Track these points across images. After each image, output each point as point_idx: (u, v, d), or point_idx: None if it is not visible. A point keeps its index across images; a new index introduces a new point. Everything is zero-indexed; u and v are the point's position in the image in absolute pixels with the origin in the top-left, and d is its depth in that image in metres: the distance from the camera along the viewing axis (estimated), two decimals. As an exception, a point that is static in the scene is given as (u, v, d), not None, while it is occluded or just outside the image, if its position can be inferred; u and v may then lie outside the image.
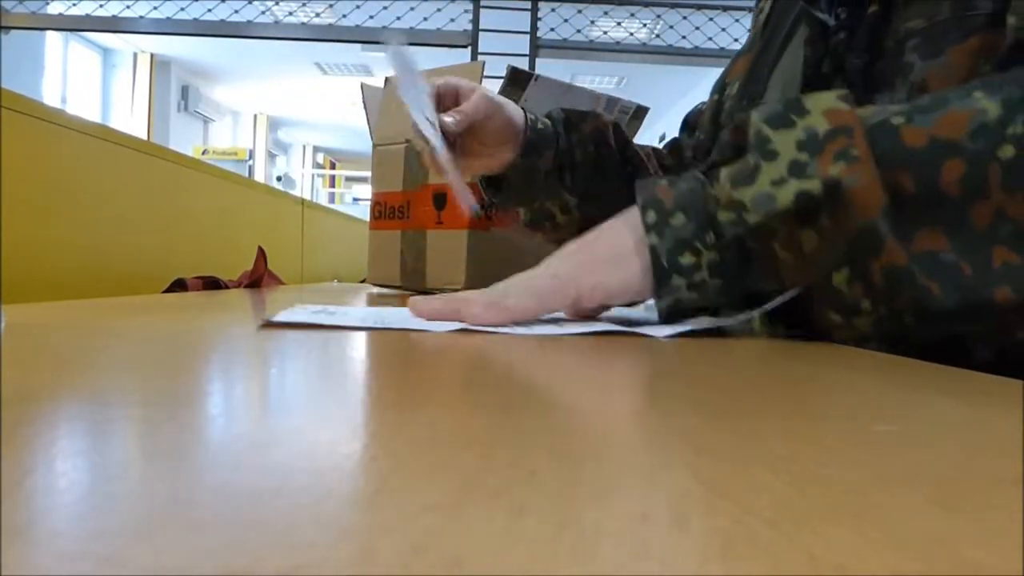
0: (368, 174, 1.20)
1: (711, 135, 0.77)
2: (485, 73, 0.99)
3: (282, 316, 0.51)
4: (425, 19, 3.48)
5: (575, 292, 0.52)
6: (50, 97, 6.57)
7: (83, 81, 7.53)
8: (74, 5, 3.60)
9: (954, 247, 0.44)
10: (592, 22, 3.61)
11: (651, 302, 0.55)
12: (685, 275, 0.50)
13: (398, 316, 0.57)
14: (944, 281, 0.44)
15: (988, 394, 0.36)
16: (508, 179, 0.82)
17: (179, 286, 1.13)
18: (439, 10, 3.51)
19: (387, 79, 1.14)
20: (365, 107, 1.17)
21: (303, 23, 3.98)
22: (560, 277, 0.53)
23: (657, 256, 0.50)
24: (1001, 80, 0.44)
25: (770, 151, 0.47)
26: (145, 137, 6.65)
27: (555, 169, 0.82)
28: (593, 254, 0.53)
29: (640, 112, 1.08)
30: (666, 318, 0.53)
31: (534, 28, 3.52)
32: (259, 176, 10.33)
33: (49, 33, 6.30)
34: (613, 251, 0.52)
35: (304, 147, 13.61)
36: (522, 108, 0.80)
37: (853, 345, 0.50)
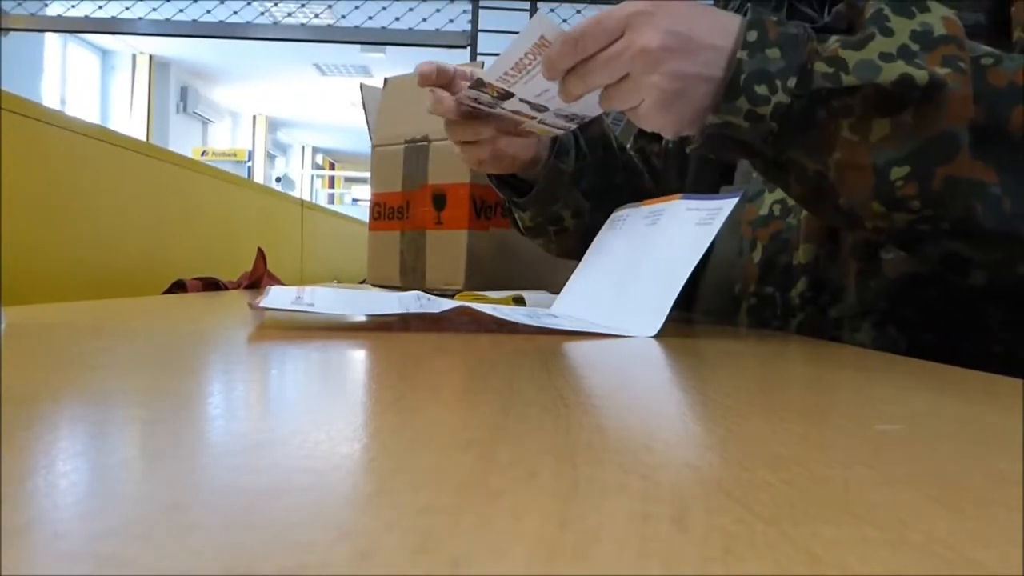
0: (367, 175, 1.20)
1: (679, 140, 0.77)
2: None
3: (265, 302, 0.52)
4: (424, 20, 3.48)
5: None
6: (49, 99, 6.56)
7: (82, 82, 7.53)
8: (73, 7, 3.60)
9: (1002, 182, 0.47)
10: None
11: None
12: (751, 102, 0.49)
13: (378, 300, 0.58)
14: (987, 207, 0.48)
15: (988, 393, 0.36)
16: (539, 180, 0.79)
17: (179, 287, 1.13)
18: (438, 11, 3.51)
19: (386, 79, 1.14)
20: (364, 108, 1.17)
21: (302, 24, 3.98)
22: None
23: (739, 73, 0.49)
24: None
25: (887, 28, 0.48)
26: (144, 138, 6.65)
27: (575, 172, 0.80)
28: (691, 37, 0.50)
29: None
30: (704, 141, 0.52)
31: (533, 28, 3.52)
32: (258, 177, 10.33)
33: (48, 35, 6.29)
34: (708, 42, 0.50)
35: (303, 148, 13.61)
36: None
37: (868, 238, 0.53)
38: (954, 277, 0.49)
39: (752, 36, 0.50)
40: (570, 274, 0.73)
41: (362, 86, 1.17)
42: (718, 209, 0.59)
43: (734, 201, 0.59)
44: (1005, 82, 0.47)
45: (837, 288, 0.64)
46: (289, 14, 4.07)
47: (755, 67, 0.49)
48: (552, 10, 3.59)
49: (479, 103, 0.67)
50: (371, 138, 1.15)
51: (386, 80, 1.14)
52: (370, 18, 3.54)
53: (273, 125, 11.91)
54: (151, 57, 8.32)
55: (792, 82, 0.49)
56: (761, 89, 0.49)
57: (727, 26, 0.50)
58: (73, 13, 3.66)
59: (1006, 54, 0.48)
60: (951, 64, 0.47)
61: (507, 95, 0.64)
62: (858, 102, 0.48)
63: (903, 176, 0.48)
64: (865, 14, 0.49)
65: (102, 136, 1.10)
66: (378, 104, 1.14)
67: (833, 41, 0.49)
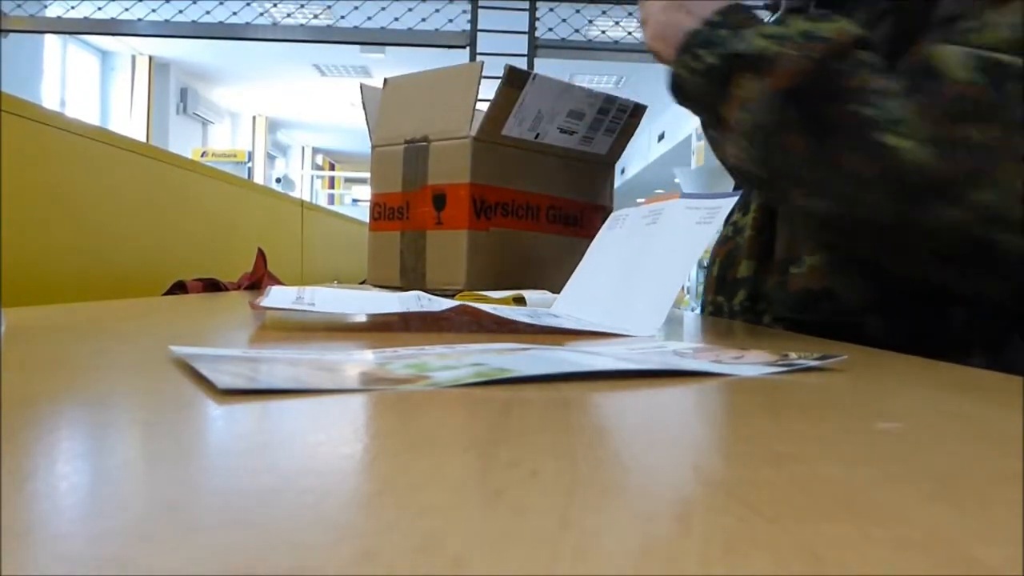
0: (367, 175, 1.20)
1: None
2: (484, 73, 0.99)
3: (266, 302, 0.52)
4: (423, 20, 3.48)
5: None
6: (49, 100, 6.56)
7: (82, 84, 7.53)
8: (72, 8, 3.60)
9: (807, 154, 0.60)
10: (590, 21, 3.61)
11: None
12: (693, 56, 0.65)
13: (378, 300, 0.58)
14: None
15: (989, 391, 0.36)
16: None
17: (179, 288, 1.13)
18: (437, 11, 3.51)
19: (386, 80, 1.14)
20: (364, 108, 1.17)
21: (301, 25, 3.98)
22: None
23: (690, 37, 0.65)
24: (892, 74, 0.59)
25: (789, 23, 0.62)
26: (144, 139, 6.65)
27: None
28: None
29: (638, 110, 1.08)
30: (669, 86, 0.68)
31: (532, 28, 3.52)
32: (258, 178, 10.33)
33: (47, 36, 6.29)
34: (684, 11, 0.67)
35: (303, 149, 13.61)
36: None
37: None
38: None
39: (718, 18, 0.65)
40: (570, 274, 0.73)
41: (362, 86, 1.17)
42: (717, 208, 0.59)
43: (733, 200, 0.59)
44: (857, 84, 0.57)
45: (768, 298, 0.75)
46: (288, 15, 4.07)
47: (707, 34, 0.64)
48: (551, 10, 3.59)
49: None
50: (371, 138, 1.15)
51: (386, 80, 1.14)
52: (369, 18, 3.55)
53: (273, 126, 11.91)
54: (151, 58, 8.32)
55: (720, 50, 0.63)
56: (702, 52, 0.64)
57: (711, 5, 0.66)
58: (73, 14, 3.66)
59: (875, 70, 0.58)
60: (802, 49, 0.59)
61: None
62: (738, 65, 0.62)
63: (747, 122, 0.62)
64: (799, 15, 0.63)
65: (102, 137, 1.10)
66: (378, 104, 1.14)
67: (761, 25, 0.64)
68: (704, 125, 0.71)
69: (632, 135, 1.11)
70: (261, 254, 1.31)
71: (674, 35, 0.67)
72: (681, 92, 0.67)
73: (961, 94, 0.53)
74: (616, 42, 3.72)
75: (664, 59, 0.69)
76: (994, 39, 0.54)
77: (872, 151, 0.55)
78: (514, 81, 0.95)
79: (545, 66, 3.72)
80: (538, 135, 1.01)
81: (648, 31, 0.71)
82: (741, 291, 0.78)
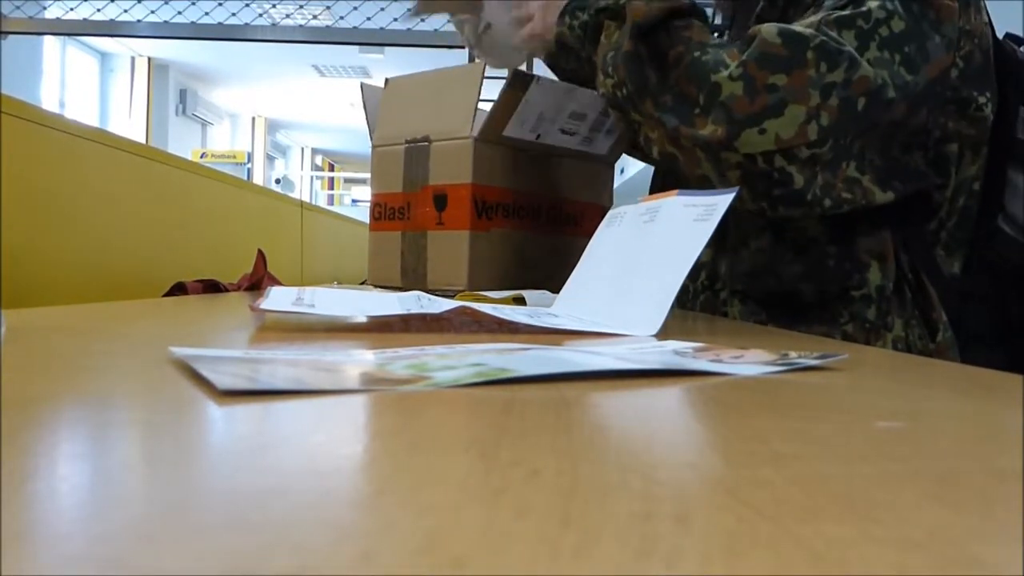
0: (367, 176, 1.20)
1: None
2: (486, 74, 0.99)
3: (265, 304, 0.52)
4: (423, 20, 3.48)
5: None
6: (48, 101, 6.56)
7: (81, 85, 7.53)
8: (72, 9, 3.60)
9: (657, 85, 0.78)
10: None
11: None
12: (571, 22, 0.86)
13: (379, 300, 0.58)
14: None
15: (989, 389, 0.36)
16: None
17: (179, 290, 1.13)
18: (437, 11, 3.50)
19: (387, 80, 1.13)
20: (365, 107, 1.17)
21: (300, 26, 3.97)
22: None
23: (568, 4, 0.86)
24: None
25: None
26: (143, 141, 6.64)
27: None
28: None
29: None
30: (552, 52, 0.91)
31: (532, 28, 3.52)
32: (258, 179, 10.33)
33: (47, 38, 6.29)
34: None
35: (303, 149, 13.61)
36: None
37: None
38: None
39: None
40: (570, 274, 0.73)
41: (363, 85, 1.17)
42: (715, 205, 0.59)
43: (730, 197, 0.59)
44: (677, 29, 0.77)
45: (723, 276, 0.90)
46: (287, 15, 4.06)
47: (578, 4, 0.85)
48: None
49: None
50: (371, 138, 1.15)
51: (387, 80, 1.14)
52: (368, 19, 3.54)
53: (272, 127, 11.91)
54: (150, 59, 8.32)
55: (592, 10, 0.83)
56: (578, 13, 0.85)
57: None
58: (72, 16, 3.66)
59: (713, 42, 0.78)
60: (653, 4, 0.77)
61: None
62: (604, 17, 0.82)
63: (610, 57, 0.80)
64: None
65: (101, 139, 1.10)
66: (378, 104, 1.14)
67: None
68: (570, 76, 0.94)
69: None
70: (261, 255, 1.31)
71: (552, 17, 0.88)
72: (564, 48, 0.88)
73: (765, 51, 0.72)
74: (615, 42, 3.71)
75: (544, 40, 0.90)
76: (804, 21, 0.74)
77: (704, 85, 0.73)
78: (518, 84, 0.95)
79: (545, 65, 3.71)
80: (539, 136, 1.01)
81: (529, 28, 0.91)
82: (702, 273, 0.93)
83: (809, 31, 0.72)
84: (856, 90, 0.71)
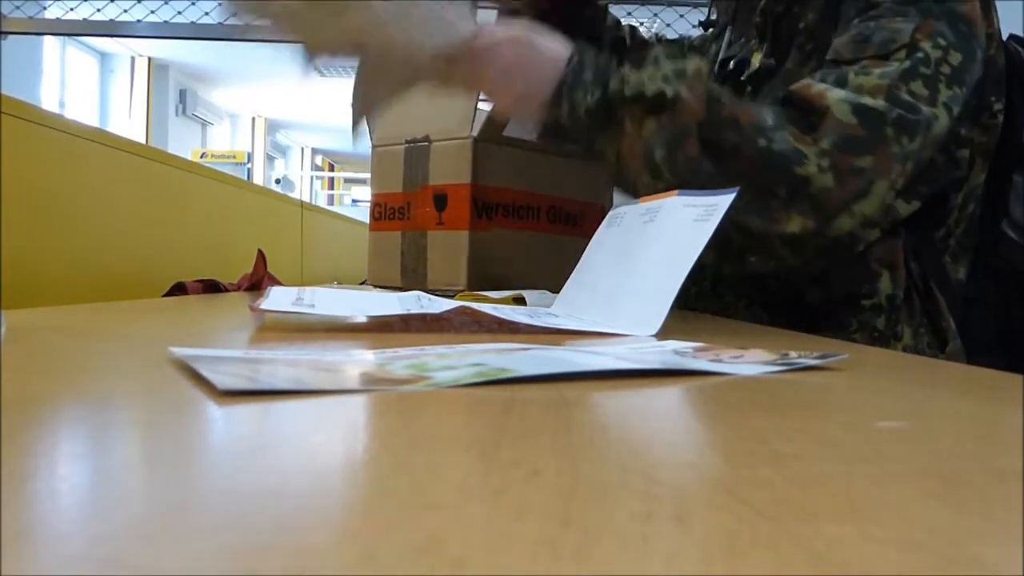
0: (367, 176, 1.20)
1: None
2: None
3: (265, 304, 0.52)
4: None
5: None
6: (48, 102, 6.56)
7: (81, 85, 7.53)
8: (71, 10, 3.60)
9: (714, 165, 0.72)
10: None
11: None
12: (572, 105, 0.73)
13: (379, 301, 0.58)
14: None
15: (989, 389, 0.36)
16: None
17: (179, 290, 1.13)
18: (436, 11, 3.50)
19: None
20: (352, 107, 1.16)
21: (300, 25, 3.96)
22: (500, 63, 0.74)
23: (560, 86, 0.73)
24: (776, 108, 0.73)
25: (658, 63, 0.72)
26: (143, 141, 6.62)
27: None
28: (532, 56, 0.75)
29: None
30: (541, 131, 0.76)
31: (531, 28, 3.52)
32: (258, 179, 10.33)
33: (46, 38, 6.29)
34: (540, 63, 0.74)
35: (303, 149, 13.61)
36: None
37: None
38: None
39: (575, 61, 0.73)
40: (570, 274, 0.73)
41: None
42: (715, 205, 0.59)
43: (731, 197, 0.59)
44: (729, 112, 0.71)
45: (728, 280, 0.89)
46: (287, 15, 4.06)
47: (571, 81, 0.72)
48: (550, 9, 3.59)
49: None
50: (371, 138, 1.15)
51: None
52: (368, 19, 3.53)
53: (272, 127, 11.91)
54: (150, 60, 8.32)
55: (597, 93, 0.72)
56: (578, 96, 0.72)
57: (552, 57, 0.74)
58: (72, 16, 3.66)
59: (738, 101, 0.73)
60: (691, 88, 0.71)
61: None
62: (631, 109, 0.71)
63: (661, 157, 0.71)
64: (649, 56, 0.73)
65: (101, 139, 1.10)
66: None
67: (626, 66, 0.73)
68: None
69: None
70: (261, 255, 1.31)
71: (536, 75, 0.74)
72: (559, 127, 0.74)
73: (845, 135, 0.69)
74: (615, 42, 3.71)
75: (524, 100, 0.75)
76: (867, 83, 0.71)
77: (785, 178, 0.69)
78: None
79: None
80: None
81: (495, 68, 0.74)
82: (707, 277, 0.92)
83: (881, 103, 0.70)
84: (930, 146, 0.72)
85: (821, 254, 0.75)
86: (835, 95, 0.71)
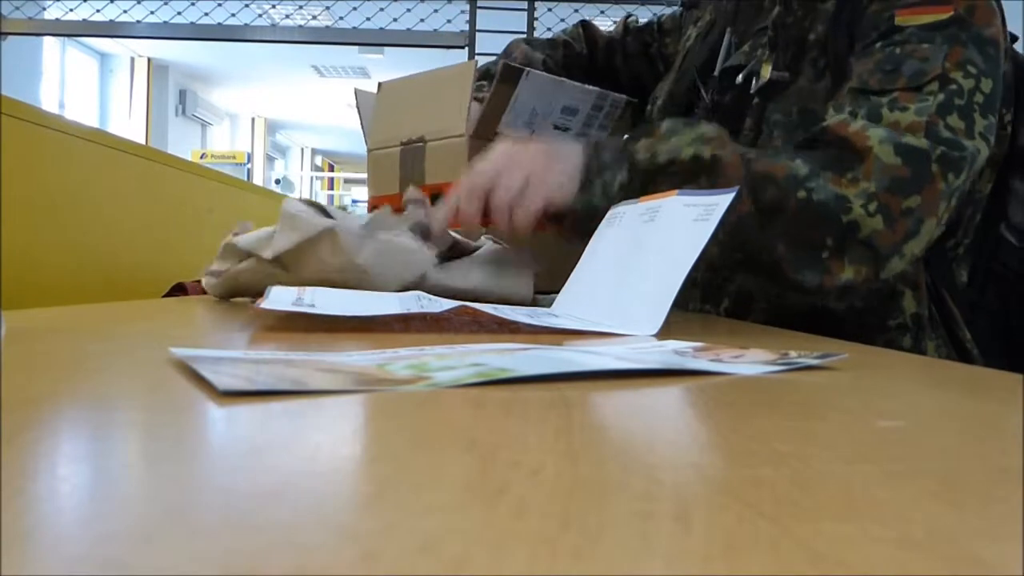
0: (366, 176, 1.20)
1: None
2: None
3: (266, 304, 0.52)
4: (422, 20, 3.48)
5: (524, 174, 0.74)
6: (48, 102, 6.56)
7: (80, 86, 7.53)
8: (71, 10, 3.60)
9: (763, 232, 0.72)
10: (589, 21, 3.61)
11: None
12: (603, 184, 0.73)
13: (379, 300, 0.57)
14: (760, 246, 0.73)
15: (989, 389, 0.37)
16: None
17: (179, 290, 1.13)
18: (436, 11, 3.50)
19: (380, 84, 1.13)
20: (359, 112, 1.17)
21: (300, 26, 3.97)
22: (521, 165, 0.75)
23: (587, 171, 0.73)
24: (810, 154, 0.71)
25: (678, 133, 0.73)
26: (143, 141, 6.62)
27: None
28: (548, 155, 0.76)
29: (631, 106, 1.08)
30: (575, 219, 0.74)
31: (531, 28, 3.52)
32: (258, 179, 10.32)
33: (46, 38, 6.29)
34: (561, 157, 0.76)
35: (302, 150, 13.61)
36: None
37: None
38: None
39: (590, 149, 0.75)
40: (570, 274, 0.73)
41: (356, 91, 1.17)
42: (715, 204, 0.59)
43: (730, 196, 0.59)
44: (762, 168, 0.70)
45: (753, 298, 0.87)
46: (287, 16, 4.07)
47: (595, 164, 0.73)
48: (550, 10, 3.59)
49: None
50: (366, 142, 1.15)
51: (380, 84, 1.14)
52: (368, 19, 3.54)
53: (272, 127, 11.91)
54: (149, 60, 8.32)
55: (624, 169, 0.73)
56: (606, 176, 0.73)
57: (570, 152, 0.76)
58: (71, 17, 3.66)
59: (764, 151, 0.75)
60: (721, 148, 0.71)
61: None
62: (669, 176, 0.71)
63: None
64: (660, 129, 0.75)
65: (101, 139, 1.10)
66: (372, 108, 1.14)
67: (642, 141, 0.74)
68: None
69: (627, 132, 1.11)
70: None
71: (561, 169, 0.74)
72: (590, 217, 0.73)
73: (892, 176, 0.68)
74: (615, 42, 3.71)
75: (561, 203, 0.74)
76: (904, 119, 0.70)
77: (832, 227, 0.68)
78: (507, 77, 0.95)
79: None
80: (533, 131, 1.01)
81: (524, 178, 0.73)
82: (725, 299, 0.89)
83: (924, 142, 0.69)
84: (972, 178, 0.72)
85: (864, 295, 0.75)
86: (877, 134, 0.69)
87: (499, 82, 0.95)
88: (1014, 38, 0.91)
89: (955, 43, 0.73)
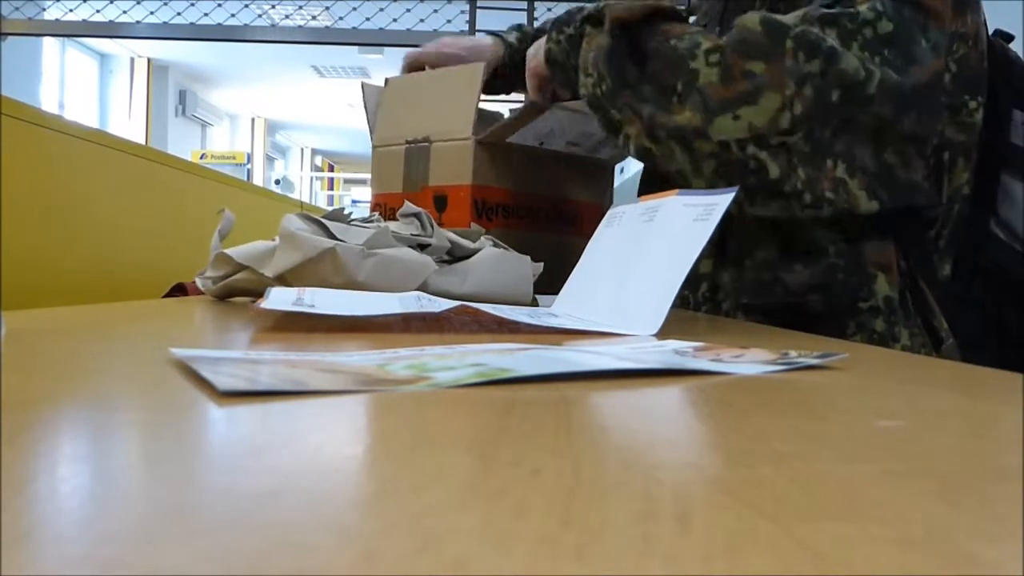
0: (366, 176, 1.20)
1: None
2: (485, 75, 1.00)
3: (266, 304, 0.52)
4: (422, 20, 3.48)
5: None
6: (48, 103, 6.56)
7: (80, 86, 7.53)
8: (71, 11, 3.60)
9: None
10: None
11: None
12: (560, 37, 0.88)
13: (379, 300, 0.58)
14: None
15: (989, 388, 0.37)
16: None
17: (179, 291, 1.13)
18: (435, 11, 3.51)
19: (387, 80, 1.14)
20: (365, 107, 1.17)
21: (300, 26, 3.98)
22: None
23: (551, 27, 0.90)
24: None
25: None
26: (143, 142, 6.63)
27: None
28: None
29: None
30: (541, 63, 0.92)
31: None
32: (258, 179, 10.33)
33: (46, 39, 6.30)
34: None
35: (302, 150, 13.61)
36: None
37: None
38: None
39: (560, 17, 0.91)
40: (570, 274, 0.73)
41: (363, 85, 1.17)
42: (714, 204, 0.59)
43: (730, 196, 0.59)
44: (664, 30, 0.78)
45: (726, 288, 0.89)
46: (287, 16, 4.07)
47: (557, 26, 0.89)
48: (549, 10, 3.59)
49: None
50: (371, 137, 1.15)
51: (387, 80, 1.14)
52: (368, 19, 3.54)
53: (272, 127, 11.91)
54: (149, 60, 8.32)
55: (574, 26, 0.87)
56: (561, 32, 0.89)
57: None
58: (71, 17, 3.66)
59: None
60: (631, 5, 0.80)
61: None
62: (584, 26, 0.85)
63: (592, 59, 0.82)
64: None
65: (101, 140, 1.10)
66: (378, 103, 1.14)
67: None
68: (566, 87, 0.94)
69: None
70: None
71: (542, 48, 0.92)
72: (555, 65, 0.90)
73: (745, 38, 0.72)
74: (614, 42, 3.71)
75: (541, 73, 0.94)
76: (790, 12, 0.75)
77: (681, 73, 0.74)
78: (530, 112, 0.96)
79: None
80: (542, 143, 1.02)
81: (530, 70, 0.96)
82: (703, 285, 0.91)
83: (792, 20, 0.73)
84: (833, 82, 0.71)
85: (720, 168, 0.76)
86: (751, 14, 0.74)
87: (526, 111, 0.96)
88: (1009, 37, 0.91)
89: None
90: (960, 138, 0.82)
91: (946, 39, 0.78)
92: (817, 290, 0.82)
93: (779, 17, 0.74)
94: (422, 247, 0.71)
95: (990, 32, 0.88)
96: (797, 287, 0.83)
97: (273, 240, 0.73)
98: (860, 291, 0.81)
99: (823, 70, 0.71)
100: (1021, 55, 0.92)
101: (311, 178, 13.59)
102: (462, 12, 3.49)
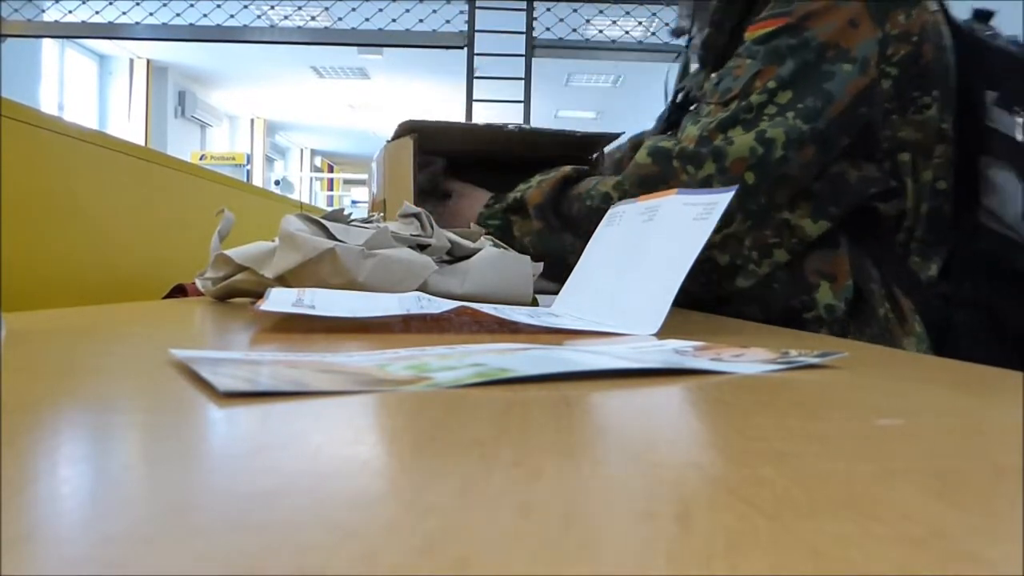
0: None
1: None
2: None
3: (266, 305, 0.52)
4: (421, 21, 3.48)
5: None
6: (47, 104, 6.56)
7: (80, 88, 7.53)
8: (70, 12, 3.60)
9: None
10: (587, 21, 3.61)
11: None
12: (490, 223, 0.96)
13: (379, 301, 0.58)
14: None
15: (989, 387, 0.37)
16: None
17: (179, 292, 1.13)
18: (435, 12, 3.51)
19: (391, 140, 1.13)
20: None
21: (299, 27, 3.98)
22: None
23: (480, 217, 0.97)
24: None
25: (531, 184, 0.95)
26: (143, 143, 6.63)
27: None
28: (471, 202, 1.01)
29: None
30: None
31: (530, 28, 3.52)
32: (257, 180, 10.32)
33: (45, 40, 6.30)
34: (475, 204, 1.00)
35: (302, 151, 13.60)
36: None
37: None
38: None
39: (492, 202, 0.98)
40: (570, 273, 0.73)
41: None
42: (714, 204, 0.59)
43: (729, 195, 0.59)
44: (574, 191, 0.90)
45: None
46: (286, 17, 4.07)
47: (487, 214, 0.97)
48: (548, 9, 3.59)
49: None
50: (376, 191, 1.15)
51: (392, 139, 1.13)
52: (367, 20, 3.55)
53: (271, 128, 11.90)
54: (149, 62, 8.32)
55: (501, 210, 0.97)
56: (492, 221, 0.96)
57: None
58: (70, 18, 3.66)
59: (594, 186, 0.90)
60: (540, 185, 0.92)
61: None
62: (509, 214, 0.96)
63: (530, 242, 0.93)
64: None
65: (100, 141, 1.10)
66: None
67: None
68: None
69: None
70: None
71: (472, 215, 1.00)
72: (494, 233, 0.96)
73: (640, 174, 0.82)
74: (613, 41, 3.72)
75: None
76: (691, 133, 0.82)
77: (598, 220, 0.78)
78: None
79: (543, 65, 3.72)
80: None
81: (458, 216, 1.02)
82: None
83: (671, 143, 0.81)
84: (736, 170, 0.77)
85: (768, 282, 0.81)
86: (642, 148, 0.83)
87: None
88: (987, 15, 0.89)
89: (772, 59, 0.80)
90: (916, 136, 0.81)
91: (872, 50, 0.78)
92: (754, 301, 0.85)
93: (663, 144, 0.82)
94: (422, 247, 0.71)
95: (971, 15, 0.87)
96: (736, 299, 0.86)
97: (273, 241, 0.73)
98: (796, 299, 0.83)
99: (720, 167, 0.78)
100: (1021, 34, 0.90)
101: (311, 179, 13.58)
102: (461, 12, 3.49)
